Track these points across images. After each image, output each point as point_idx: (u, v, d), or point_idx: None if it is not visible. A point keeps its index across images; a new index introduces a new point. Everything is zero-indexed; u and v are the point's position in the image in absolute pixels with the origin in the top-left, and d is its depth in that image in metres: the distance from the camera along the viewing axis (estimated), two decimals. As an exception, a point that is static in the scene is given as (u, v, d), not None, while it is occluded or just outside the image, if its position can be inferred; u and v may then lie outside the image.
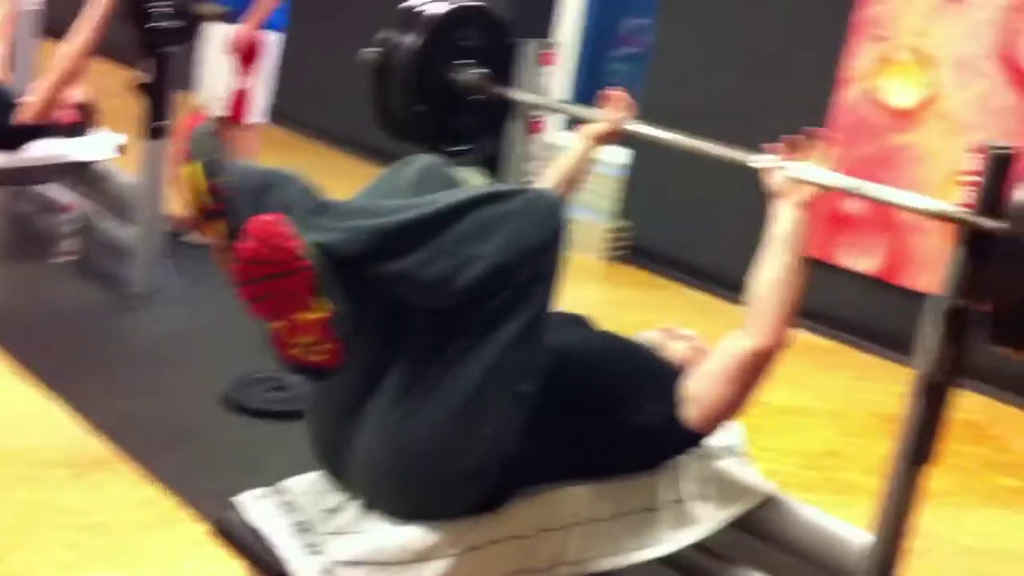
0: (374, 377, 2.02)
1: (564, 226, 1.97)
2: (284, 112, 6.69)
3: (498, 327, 1.93)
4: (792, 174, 2.12)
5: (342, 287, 1.85)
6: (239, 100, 4.66)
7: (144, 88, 4.00)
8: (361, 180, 2.16)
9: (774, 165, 2.14)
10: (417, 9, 2.64)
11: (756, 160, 2.19)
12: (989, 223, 1.85)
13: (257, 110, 4.74)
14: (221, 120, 4.68)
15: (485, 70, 2.67)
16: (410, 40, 2.60)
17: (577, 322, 2.46)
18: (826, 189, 2.11)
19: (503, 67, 2.71)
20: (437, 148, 2.71)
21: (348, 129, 6.43)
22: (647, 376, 2.23)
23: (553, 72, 2.77)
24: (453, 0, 2.67)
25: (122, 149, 4.51)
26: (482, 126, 2.77)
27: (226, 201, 1.86)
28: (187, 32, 4.03)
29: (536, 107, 2.72)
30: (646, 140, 2.57)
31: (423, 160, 2.16)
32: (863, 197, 2.10)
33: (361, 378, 2.02)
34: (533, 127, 2.77)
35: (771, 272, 2.10)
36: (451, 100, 2.68)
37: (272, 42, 4.68)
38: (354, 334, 1.89)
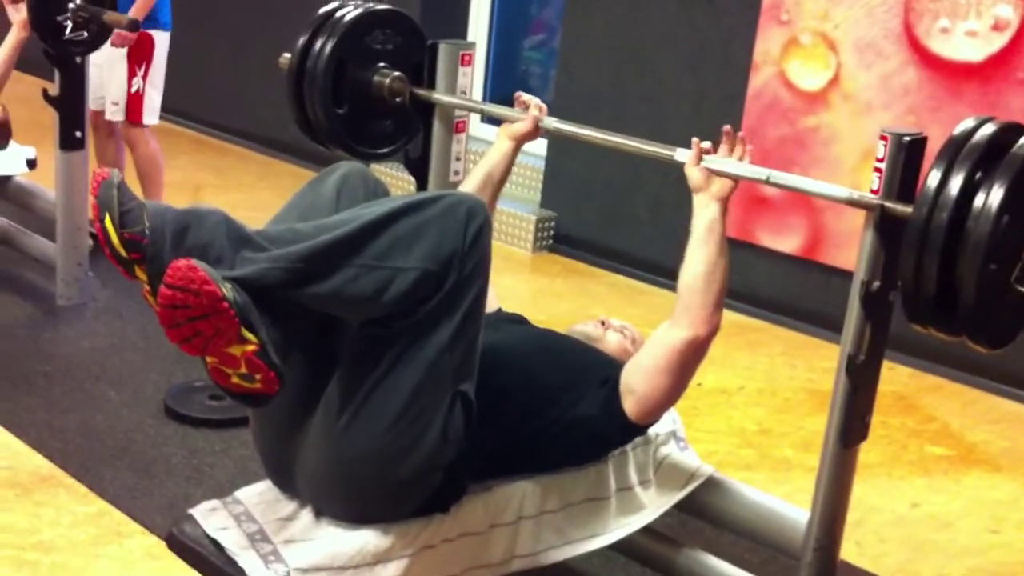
0: (313, 391, 2.04)
1: (486, 227, 2.01)
2: (197, 113, 6.69)
3: (431, 332, 1.96)
4: (710, 167, 2.18)
5: (269, 315, 1.86)
6: (136, 102, 4.64)
7: (56, 99, 3.98)
8: (278, 177, 2.16)
9: (693, 159, 2.20)
10: (331, 13, 2.67)
11: (676, 154, 2.25)
12: (897, 208, 1.91)
13: (153, 110, 4.72)
14: (123, 123, 4.69)
15: (400, 73, 2.70)
16: (325, 44, 2.62)
17: (514, 321, 2.51)
18: (741, 179, 2.17)
19: (418, 68, 2.74)
20: (357, 151, 2.74)
21: (265, 128, 6.39)
22: (584, 370, 2.27)
23: (471, 72, 2.81)
24: (366, 4, 2.70)
25: (32, 163, 4.46)
26: (402, 127, 2.80)
27: (143, 249, 1.84)
28: (98, 42, 4.00)
29: (459, 108, 2.75)
30: (566, 135, 2.61)
31: (342, 170, 2.17)
32: (778, 187, 2.16)
33: (300, 393, 2.04)
34: (457, 127, 2.80)
35: (697, 263, 2.15)
36: (368, 103, 2.69)
37: (162, 41, 4.67)
38: (288, 357, 1.91)
